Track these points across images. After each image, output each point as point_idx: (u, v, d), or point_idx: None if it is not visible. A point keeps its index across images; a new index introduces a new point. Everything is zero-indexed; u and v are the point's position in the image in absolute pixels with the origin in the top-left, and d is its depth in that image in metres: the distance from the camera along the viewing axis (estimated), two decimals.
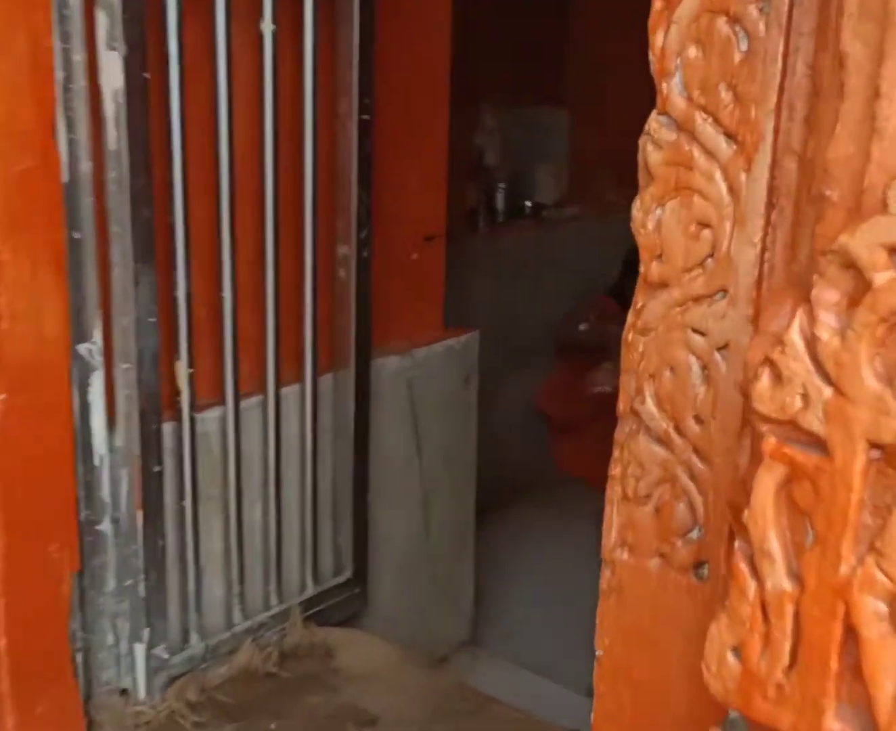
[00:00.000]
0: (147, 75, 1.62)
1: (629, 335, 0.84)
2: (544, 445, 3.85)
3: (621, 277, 3.83)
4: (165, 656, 1.83)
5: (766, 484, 0.66)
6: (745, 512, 0.67)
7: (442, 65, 2.36)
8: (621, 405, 0.85)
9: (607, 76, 3.90)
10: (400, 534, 2.34)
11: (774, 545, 0.66)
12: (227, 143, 1.80)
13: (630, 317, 0.84)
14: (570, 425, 3.78)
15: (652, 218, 0.80)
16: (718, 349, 0.78)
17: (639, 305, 0.83)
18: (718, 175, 0.76)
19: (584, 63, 3.82)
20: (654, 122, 0.79)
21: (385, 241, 2.23)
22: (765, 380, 0.65)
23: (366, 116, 2.00)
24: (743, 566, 0.68)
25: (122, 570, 1.75)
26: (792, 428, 0.64)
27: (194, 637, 1.90)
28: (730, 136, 0.75)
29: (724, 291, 0.77)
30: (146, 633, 1.79)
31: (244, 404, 1.95)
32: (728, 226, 0.76)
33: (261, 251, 1.92)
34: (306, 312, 2.02)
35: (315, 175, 1.96)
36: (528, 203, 3.86)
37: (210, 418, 1.91)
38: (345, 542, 2.15)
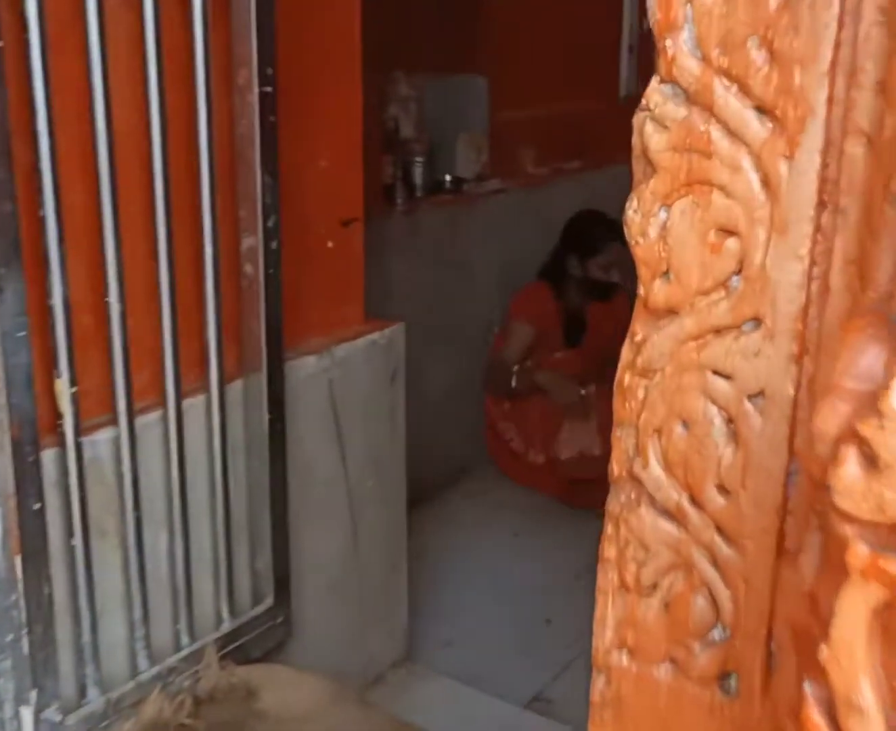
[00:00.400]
0: None
1: (625, 378, 0.63)
2: (474, 432, 3.65)
3: (556, 256, 3.64)
4: (58, 718, 1.59)
5: (856, 611, 0.46)
6: (823, 648, 0.47)
7: (352, 30, 2.13)
8: (615, 468, 0.65)
9: (527, 40, 3.70)
10: (326, 551, 2.12)
11: (868, 697, 0.46)
12: (104, 120, 1.54)
13: (625, 353, 0.63)
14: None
15: (654, 223, 0.60)
16: (750, 397, 0.58)
17: (638, 337, 0.62)
18: (748, 163, 0.56)
19: (502, 26, 3.60)
20: (654, 93, 0.58)
21: (295, 228, 2.00)
22: (852, 465, 0.45)
23: (267, 88, 1.76)
24: (819, 720, 0.48)
25: (1, 625, 1.50)
26: (893, 535, 0.45)
27: (93, 692, 1.67)
28: (763, 110, 0.55)
29: (757, 320, 0.57)
30: (33, 695, 1.55)
31: (141, 421, 1.71)
32: (762, 233, 0.56)
33: (152, 246, 1.67)
34: (209, 314, 1.78)
35: (212, 157, 1.71)
36: (448, 177, 3.64)
37: (101, 440, 1.67)
38: (264, 566, 1.93)
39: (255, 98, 1.76)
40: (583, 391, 3.38)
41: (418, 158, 3.48)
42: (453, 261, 3.54)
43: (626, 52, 4.20)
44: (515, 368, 3.49)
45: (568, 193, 4.00)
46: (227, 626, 1.87)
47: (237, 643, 1.87)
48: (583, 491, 3.31)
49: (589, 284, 3.53)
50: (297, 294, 2.03)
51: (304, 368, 2.03)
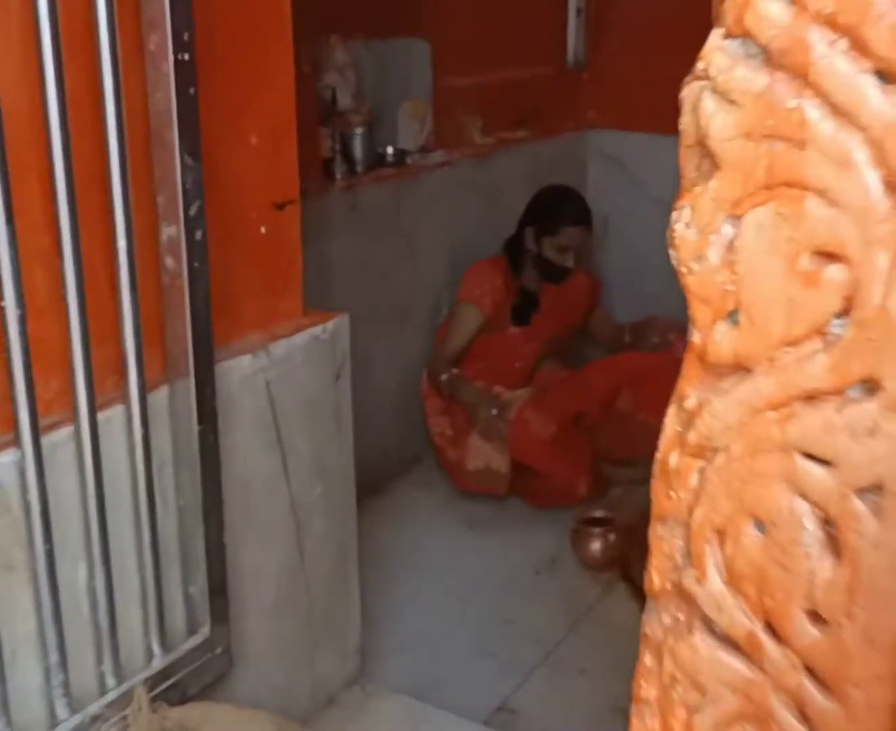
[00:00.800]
0: None
1: (670, 457, 0.45)
2: (421, 420, 3.47)
3: (517, 229, 3.46)
4: None
5: None
6: None
7: None
8: (656, 578, 0.47)
9: (471, 1, 3.49)
10: (268, 569, 1.93)
11: None
12: None
13: (670, 423, 0.45)
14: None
15: (716, 242, 0.42)
16: (860, 492, 0.41)
17: (689, 401, 0.44)
18: (862, 157, 0.38)
19: None
20: (716, 53, 0.40)
21: (223, 214, 1.79)
22: None
23: (184, 56, 1.54)
24: None
25: None
26: None
27: None
28: (890, 77, 0.37)
29: (872, 383, 0.39)
30: None
31: (49, 439, 1.50)
32: (882, 258, 0.38)
33: (55, 240, 1.46)
34: (125, 314, 1.57)
35: (122, 136, 1.50)
36: (390, 149, 3.42)
37: (2, 464, 1.46)
38: (199, 592, 1.74)
39: (170, 67, 1.54)
40: (494, 411, 3.18)
41: (358, 130, 3.26)
42: (398, 240, 3.35)
43: (574, 15, 4.01)
44: (444, 377, 3.29)
45: (516, 164, 3.82)
46: (158, 662, 1.67)
47: (171, 681, 1.68)
48: (537, 489, 3.14)
49: (542, 263, 3.34)
50: (227, 288, 1.83)
51: (237, 369, 1.82)
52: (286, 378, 1.93)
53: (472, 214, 3.62)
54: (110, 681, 1.61)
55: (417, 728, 2.05)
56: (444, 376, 3.27)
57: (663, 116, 4.02)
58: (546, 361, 3.48)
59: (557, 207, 3.35)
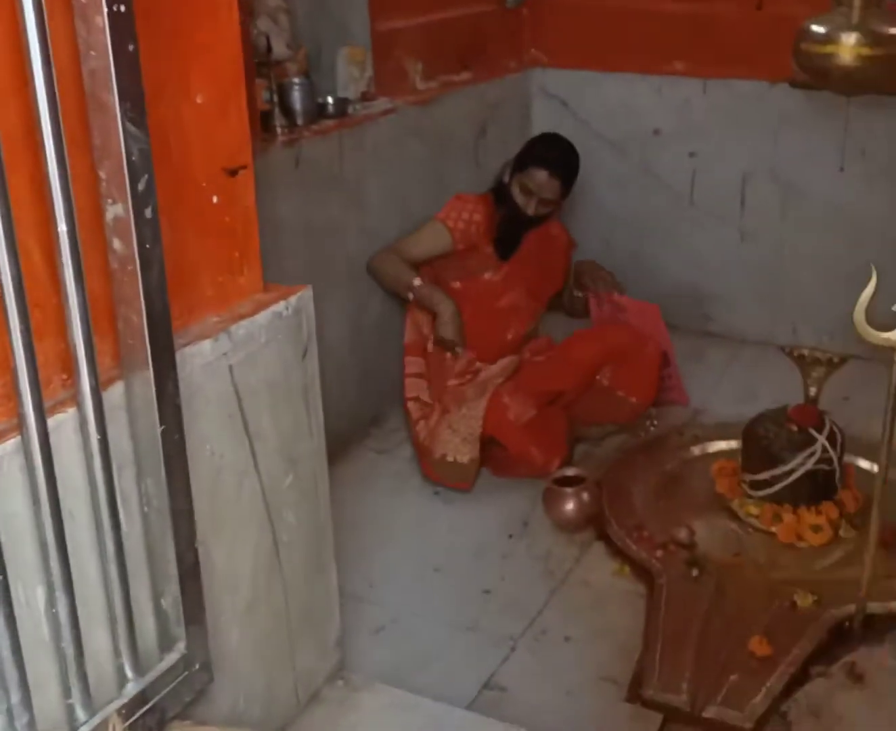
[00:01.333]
0: None
1: None
2: (382, 378, 3.33)
3: (506, 181, 3.32)
4: None
5: None
6: None
7: None
8: None
9: None
10: (242, 568, 1.79)
11: None
12: None
13: None
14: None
15: None
16: None
17: None
18: None
19: None
20: None
21: (170, 185, 1.61)
22: None
23: (120, 7, 1.36)
24: None
25: None
26: None
27: None
28: None
29: None
30: None
31: None
32: None
33: None
34: (71, 306, 1.39)
35: (54, 103, 1.31)
36: (331, 99, 3.24)
37: None
38: (172, 604, 1.58)
39: (104, 20, 1.35)
40: (458, 349, 3.05)
41: (295, 80, 3.08)
42: (344, 194, 3.18)
43: None
44: (416, 281, 3.13)
45: (461, 107, 3.68)
46: (132, 687, 1.52)
47: (148, 706, 1.53)
48: (504, 463, 3.02)
49: (508, 200, 3.23)
50: (180, 267, 1.65)
51: (198, 356, 1.66)
52: (250, 361, 1.77)
53: (420, 162, 3.47)
54: (81, 714, 1.45)
55: (405, 720, 1.94)
56: (416, 282, 3.13)
57: (606, 53, 3.93)
58: (534, 332, 3.38)
59: (535, 147, 3.27)
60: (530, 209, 3.19)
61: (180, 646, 1.60)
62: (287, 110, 3.10)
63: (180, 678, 1.59)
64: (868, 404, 3.20)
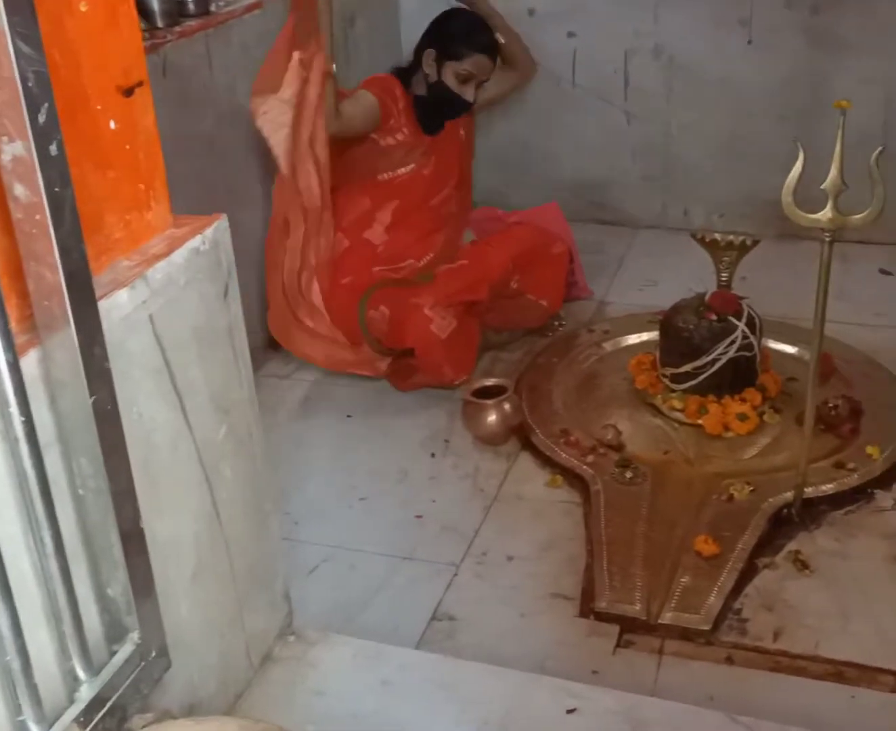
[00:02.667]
0: None
1: None
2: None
3: (416, 53, 3.11)
4: None
5: None
6: None
7: None
8: None
9: None
10: (184, 535, 1.62)
11: None
12: None
13: None
14: None
15: None
16: None
17: None
18: None
19: None
20: None
21: (61, 113, 1.37)
22: None
23: None
24: None
25: None
26: None
27: None
28: None
29: None
30: None
31: None
32: None
33: None
34: None
35: None
36: None
37: None
38: (121, 593, 1.41)
39: None
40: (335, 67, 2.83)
41: None
42: (218, 102, 2.92)
43: None
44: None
45: None
46: (87, 690, 1.35)
47: (107, 707, 1.36)
48: (409, 374, 2.89)
49: (440, 90, 3.02)
50: (83, 207, 1.43)
51: (115, 309, 1.45)
52: (171, 307, 1.57)
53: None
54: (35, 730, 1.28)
55: (368, 672, 1.82)
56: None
57: None
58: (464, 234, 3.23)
59: (466, 31, 3.06)
60: (469, 95, 3.02)
61: (134, 636, 1.43)
62: (145, 11, 2.81)
63: (138, 670, 1.43)
64: (768, 284, 3.24)
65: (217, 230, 1.70)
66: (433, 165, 3.11)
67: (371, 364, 2.93)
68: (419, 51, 3.10)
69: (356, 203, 3.05)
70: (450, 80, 3.02)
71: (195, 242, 1.64)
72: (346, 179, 3.01)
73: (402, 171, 3.07)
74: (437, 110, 3.07)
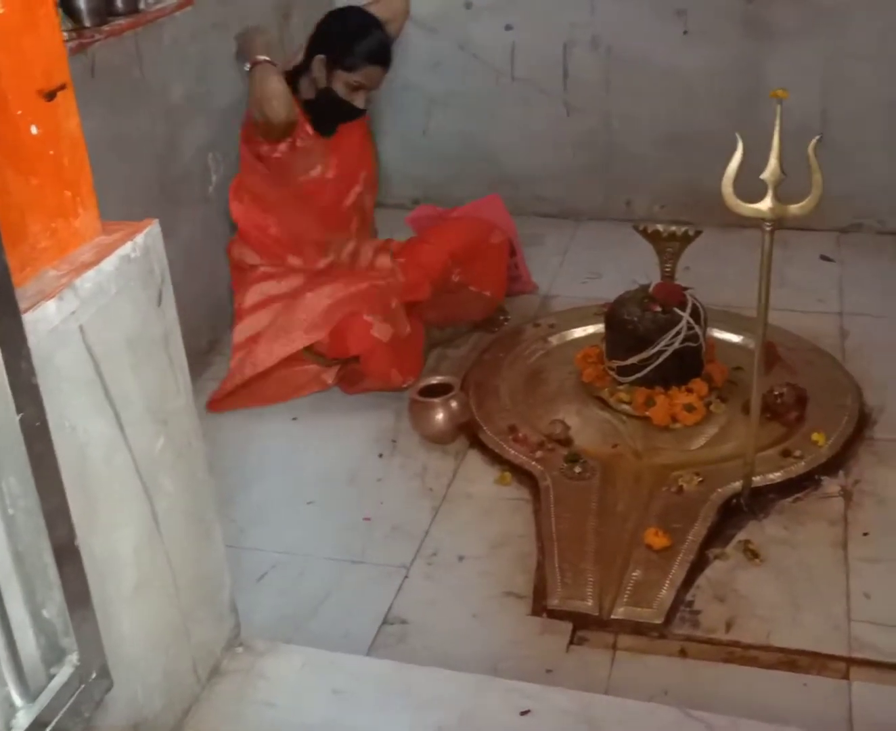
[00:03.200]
0: None
1: None
2: (216, 299, 3.07)
3: (306, 56, 2.99)
4: None
5: None
6: None
7: None
8: None
9: None
10: (123, 550, 1.57)
11: None
12: None
13: None
14: None
15: None
16: None
17: None
18: None
19: None
20: None
21: None
22: None
23: None
24: None
25: None
26: None
27: None
28: None
29: None
30: None
31: None
32: None
33: None
34: None
35: None
36: None
37: None
38: (57, 614, 1.36)
39: None
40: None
41: None
42: (149, 102, 2.85)
43: None
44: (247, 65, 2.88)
45: None
46: (24, 718, 1.30)
47: None
48: (356, 380, 2.86)
49: (330, 99, 2.94)
50: (5, 216, 1.38)
51: (42, 321, 1.39)
52: (102, 317, 1.52)
53: (227, 59, 3.15)
54: None
55: (319, 681, 1.79)
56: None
57: None
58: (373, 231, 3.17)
59: (358, 40, 2.91)
60: (360, 103, 2.95)
61: (72, 658, 1.38)
62: (72, 10, 2.74)
63: (78, 693, 1.38)
64: (712, 273, 3.25)
65: (149, 236, 1.64)
66: (335, 167, 3.02)
67: (318, 380, 2.89)
68: (309, 53, 2.96)
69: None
70: (339, 88, 2.92)
71: (126, 248, 1.58)
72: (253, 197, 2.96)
73: (312, 174, 3.00)
74: (328, 115, 2.99)
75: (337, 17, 3.01)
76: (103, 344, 1.52)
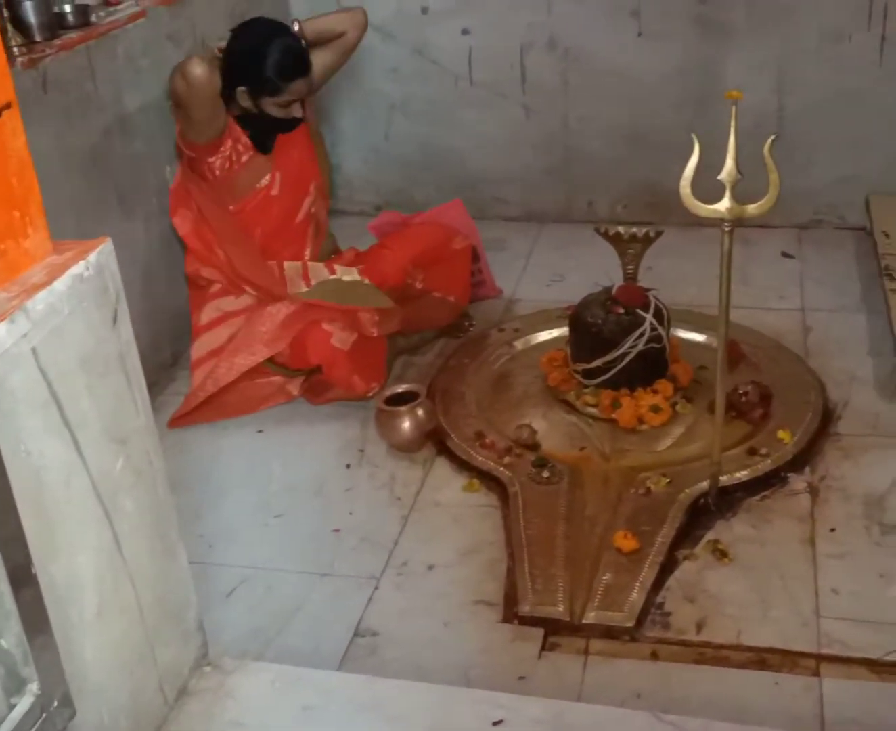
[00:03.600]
0: None
1: None
2: (176, 312, 3.04)
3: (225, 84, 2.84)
4: None
5: None
6: None
7: None
8: None
9: None
10: (84, 574, 1.54)
11: None
12: None
13: None
14: None
15: None
16: None
17: None
18: None
19: None
20: None
21: None
22: None
23: None
24: None
25: None
26: None
27: None
28: None
29: None
30: None
31: None
32: None
33: None
34: None
35: None
36: (68, 7, 2.86)
37: None
38: (15, 643, 1.33)
39: None
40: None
41: None
42: (103, 115, 2.81)
43: None
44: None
45: (214, 3, 3.35)
46: None
47: None
48: (321, 390, 2.83)
49: (267, 122, 2.86)
50: None
51: None
52: (55, 338, 1.49)
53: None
54: None
55: (289, 699, 1.76)
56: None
57: None
58: (331, 242, 3.12)
59: (267, 61, 2.75)
60: (298, 112, 2.85)
61: (33, 687, 1.35)
62: (21, 25, 2.70)
63: (39, 722, 1.35)
64: (674, 272, 3.26)
65: (102, 254, 1.61)
66: (280, 182, 2.94)
67: (282, 391, 2.86)
68: (227, 82, 2.79)
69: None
70: (272, 110, 2.82)
71: (78, 268, 1.56)
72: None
73: (258, 186, 2.91)
74: (268, 132, 2.91)
75: (240, 38, 2.87)
76: (57, 366, 1.49)
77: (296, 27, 2.95)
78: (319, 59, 2.98)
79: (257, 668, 1.85)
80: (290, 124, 2.89)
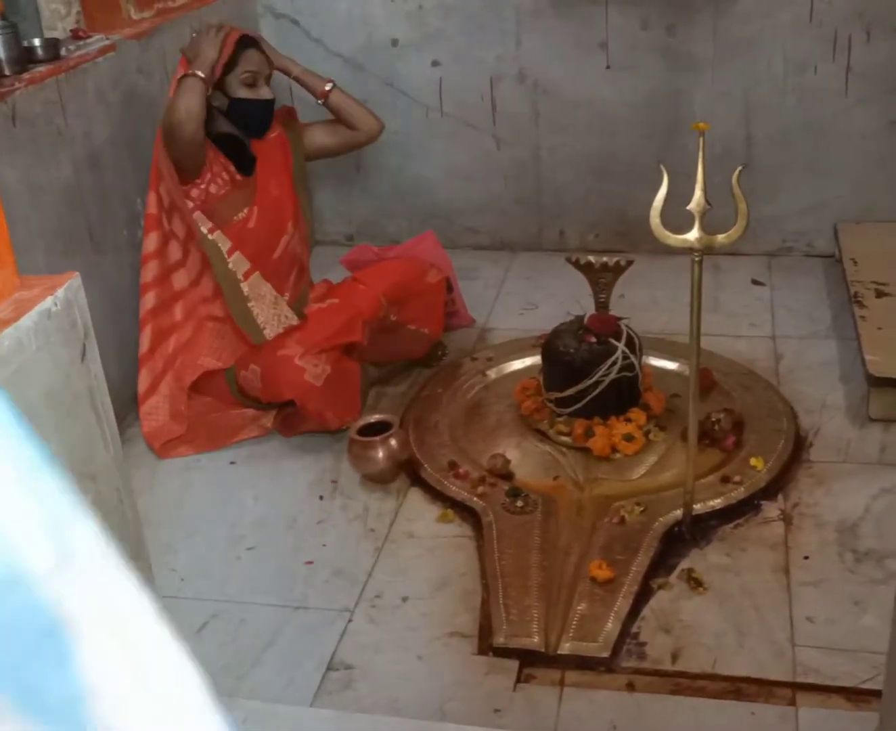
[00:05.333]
0: None
1: None
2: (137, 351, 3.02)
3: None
4: None
5: None
6: None
7: None
8: None
9: None
10: None
11: None
12: None
13: None
14: None
15: None
16: None
17: None
18: None
19: None
20: None
21: None
22: None
23: None
24: None
25: None
26: None
27: None
28: None
29: None
30: None
31: None
32: None
33: None
34: None
35: None
36: (38, 42, 2.84)
37: None
38: None
39: None
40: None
41: None
42: (73, 149, 2.80)
43: None
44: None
45: (185, 37, 3.33)
46: None
47: None
48: (293, 423, 2.82)
49: (242, 107, 2.86)
50: None
51: None
52: (22, 375, 1.47)
53: (150, 103, 3.12)
54: None
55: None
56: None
57: None
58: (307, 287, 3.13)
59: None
60: (266, 93, 2.87)
61: None
62: None
63: None
64: (646, 300, 3.28)
65: (70, 289, 1.60)
66: (257, 217, 2.93)
67: (256, 424, 2.85)
68: None
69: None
70: (241, 91, 2.84)
71: (46, 304, 1.54)
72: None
73: (235, 220, 2.90)
74: (249, 123, 2.91)
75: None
76: (23, 404, 1.47)
77: (329, 86, 3.07)
78: (322, 138, 3.13)
79: (228, 705, 1.82)
80: (266, 108, 2.88)
